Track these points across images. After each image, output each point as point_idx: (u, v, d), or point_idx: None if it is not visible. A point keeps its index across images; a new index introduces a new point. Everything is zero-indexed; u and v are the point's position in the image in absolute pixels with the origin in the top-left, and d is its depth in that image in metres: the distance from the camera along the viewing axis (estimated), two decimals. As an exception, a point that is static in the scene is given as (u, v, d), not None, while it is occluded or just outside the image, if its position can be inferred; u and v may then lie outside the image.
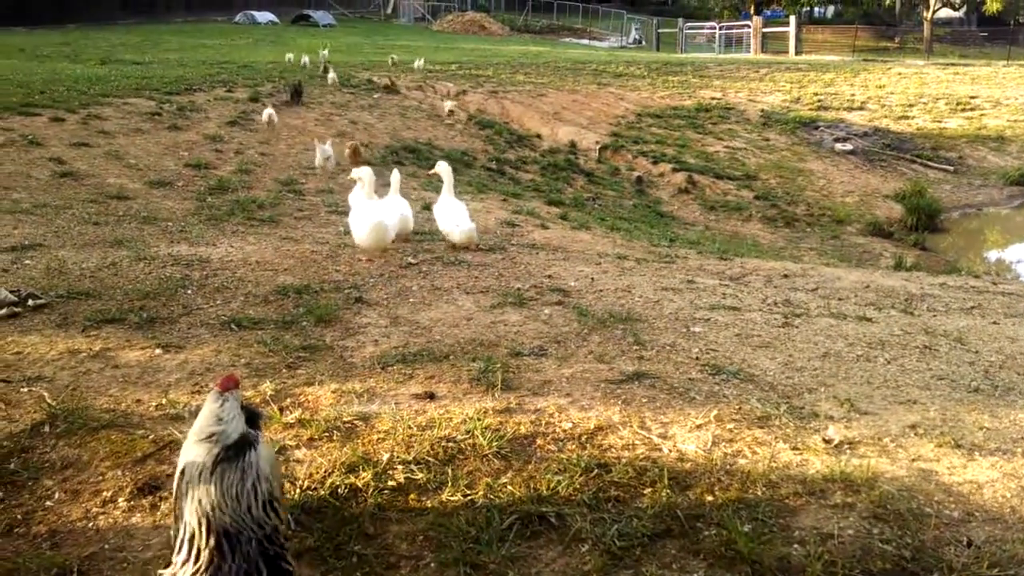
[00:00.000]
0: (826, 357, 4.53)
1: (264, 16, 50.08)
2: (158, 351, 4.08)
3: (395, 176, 6.66)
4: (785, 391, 3.98)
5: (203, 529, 1.69)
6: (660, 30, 47.73)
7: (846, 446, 3.41)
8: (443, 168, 6.49)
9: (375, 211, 5.87)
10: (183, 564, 1.69)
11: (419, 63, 23.24)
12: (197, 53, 26.29)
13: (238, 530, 1.70)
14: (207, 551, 1.68)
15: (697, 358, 4.36)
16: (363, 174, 6.09)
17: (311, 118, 14.37)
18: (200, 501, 1.69)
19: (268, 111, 13.26)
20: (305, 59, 23.18)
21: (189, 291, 5.15)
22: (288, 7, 56.09)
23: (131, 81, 15.60)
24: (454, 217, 6.37)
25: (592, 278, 6.06)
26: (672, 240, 10.13)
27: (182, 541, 1.71)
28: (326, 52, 24.76)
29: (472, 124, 17.10)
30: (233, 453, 1.73)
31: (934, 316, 5.66)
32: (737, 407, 3.73)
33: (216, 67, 20.12)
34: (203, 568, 1.68)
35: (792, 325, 5.11)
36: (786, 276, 6.92)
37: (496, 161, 14.72)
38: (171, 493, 2.75)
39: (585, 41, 50.59)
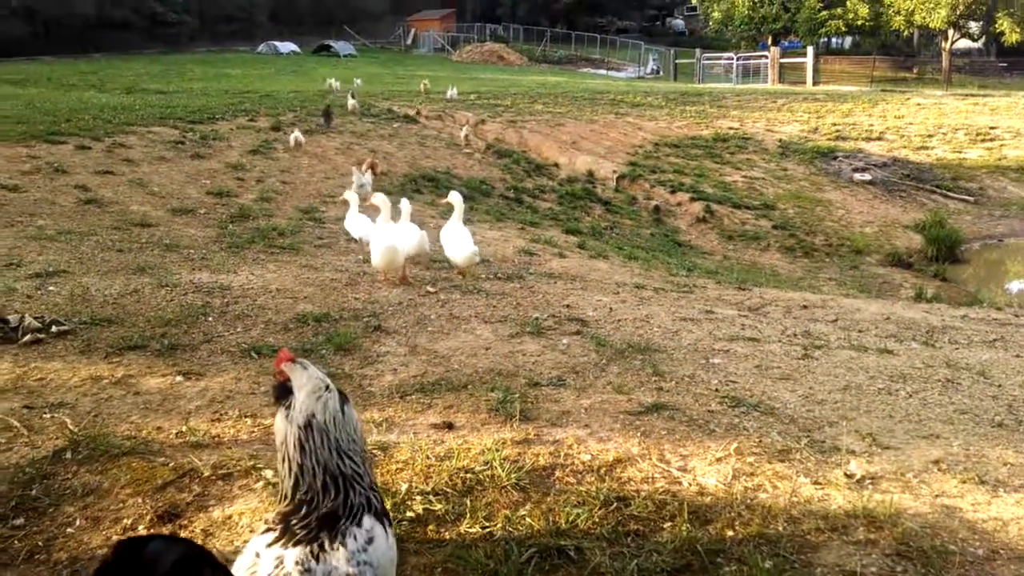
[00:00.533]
0: (847, 390, 4.47)
1: (286, 46, 50.90)
2: (179, 378, 4.09)
3: (405, 204, 6.83)
4: (806, 424, 3.93)
5: (320, 470, 1.92)
6: (678, 61, 47.83)
7: (868, 481, 3.36)
8: (455, 197, 6.70)
9: (388, 235, 6.10)
10: (293, 504, 1.90)
11: (452, 92, 23.40)
12: (220, 83, 26.67)
13: (353, 468, 1.95)
14: (319, 490, 1.91)
15: (716, 390, 4.32)
16: (379, 201, 6.24)
17: (332, 146, 14.35)
18: (330, 442, 1.92)
19: (295, 134, 13.77)
20: (333, 82, 23.65)
21: (210, 318, 5.18)
22: (310, 37, 56.85)
23: (155, 110, 15.76)
24: (458, 242, 6.51)
25: (610, 308, 6.02)
26: (690, 269, 10.06)
27: (295, 484, 1.91)
28: (359, 82, 25.74)
29: (490, 153, 17.20)
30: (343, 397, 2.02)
31: (956, 349, 5.58)
32: (757, 440, 3.69)
33: (239, 96, 20.30)
34: (317, 503, 1.89)
35: (812, 357, 5.06)
36: (805, 307, 6.85)
37: (514, 190, 14.73)
38: (188, 518, 2.76)
39: (603, 71, 50.77)
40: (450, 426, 3.77)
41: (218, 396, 3.90)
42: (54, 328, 4.87)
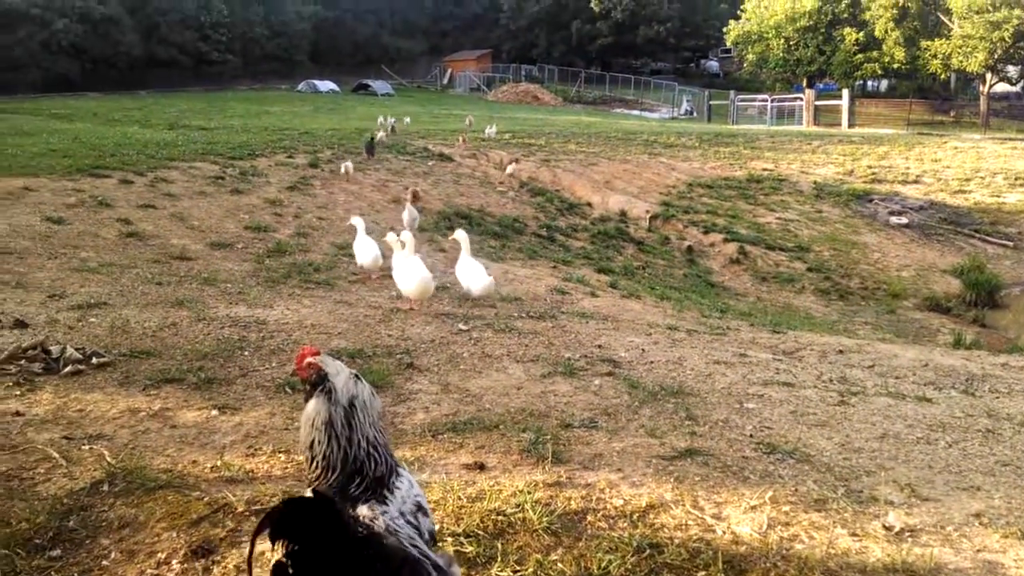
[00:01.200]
0: (884, 438, 4.36)
1: (325, 85, 51.81)
2: (214, 412, 4.10)
3: (408, 238, 6.86)
4: (843, 473, 3.84)
5: (365, 442, 2.17)
6: (712, 102, 47.75)
7: (907, 534, 3.26)
8: (461, 235, 6.98)
9: (420, 267, 6.52)
10: (341, 475, 2.13)
11: (491, 130, 23.78)
12: (260, 120, 27.03)
13: (383, 439, 2.21)
14: (364, 459, 2.16)
15: (751, 435, 4.24)
16: (406, 238, 6.63)
17: (368, 184, 14.56)
18: (371, 418, 2.17)
19: (346, 164, 14.52)
20: (389, 121, 24.49)
21: (246, 353, 5.21)
22: (348, 76, 57.80)
23: (197, 146, 15.99)
24: (473, 273, 6.84)
25: (643, 349, 5.94)
26: (723, 311, 9.89)
27: (343, 457, 2.14)
28: (408, 120, 26.57)
29: (524, 191, 17.26)
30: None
31: (997, 398, 5.43)
32: (793, 488, 3.61)
33: (278, 133, 20.61)
34: (337, 475, 2.14)
35: (848, 404, 4.95)
36: (841, 352, 6.71)
37: (547, 228, 14.67)
38: (222, 553, 2.76)
39: (637, 112, 50.89)
40: (482, 467, 3.73)
41: (252, 431, 3.90)
42: (94, 359, 4.90)
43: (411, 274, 6.54)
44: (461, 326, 6.27)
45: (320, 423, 2.14)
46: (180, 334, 5.51)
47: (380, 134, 19.70)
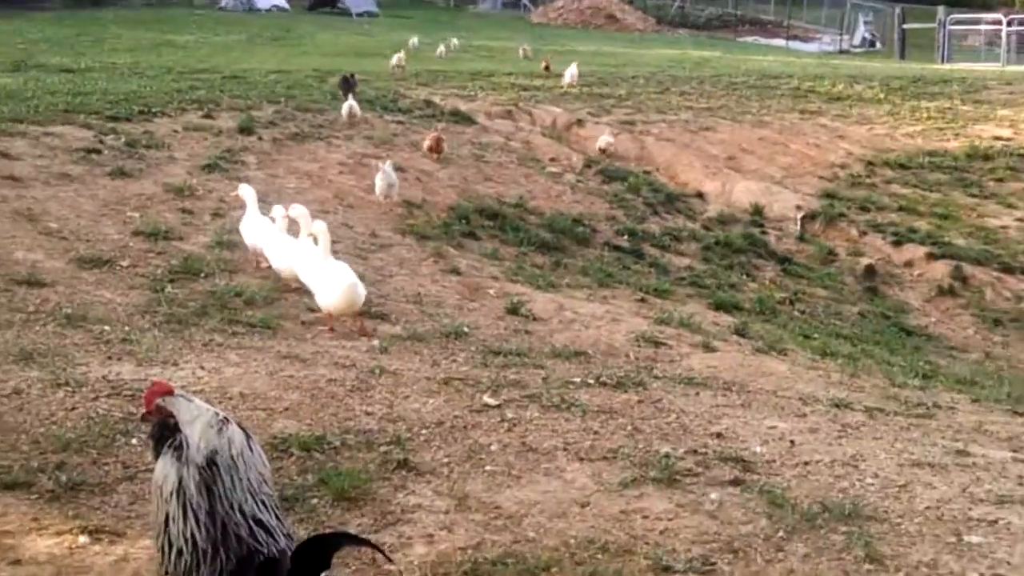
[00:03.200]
0: None
1: (266, 0, 36.54)
2: (83, 539, 3.41)
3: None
4: None
5: (236, 515, 2.02)
6: (906, 26, 33.08)
7: None
8: (320, 227, 5.95)
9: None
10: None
11: (572, 73, 18.18)
12: (160, 56, 20.47)
13: (269, 518, 2.06)
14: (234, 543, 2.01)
15: (981, 595, 3.49)
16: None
17: (334, 160, 10.86)
18: (242, 483, 2.00)
19: (349, 103, 11.74)
20: (415, 40, 20.48)
21: (134, 440, 4.13)
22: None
23: (57, 99, 11.47)
24: (326, 277, 5.82)
25: (791, 440, 4.80)
26: (927, 376, 7.56)
27: (211, 544, 1.95)
28: (456, 42, 21.97)
29: (592, 174, 12.96)
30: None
31: None
32: None
33: (188, 78, 15.54)
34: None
35: None
36: None
37: (629, 235, 10.85)
38: None
39: (780, 42, 36.54)
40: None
41: (144, 569, 3.26)
42: None
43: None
44: (487, 399, 5.03)
45: (169, 492, 1.94)
46: (27, 409, 4.39)
47: (397, 58, 16.19)
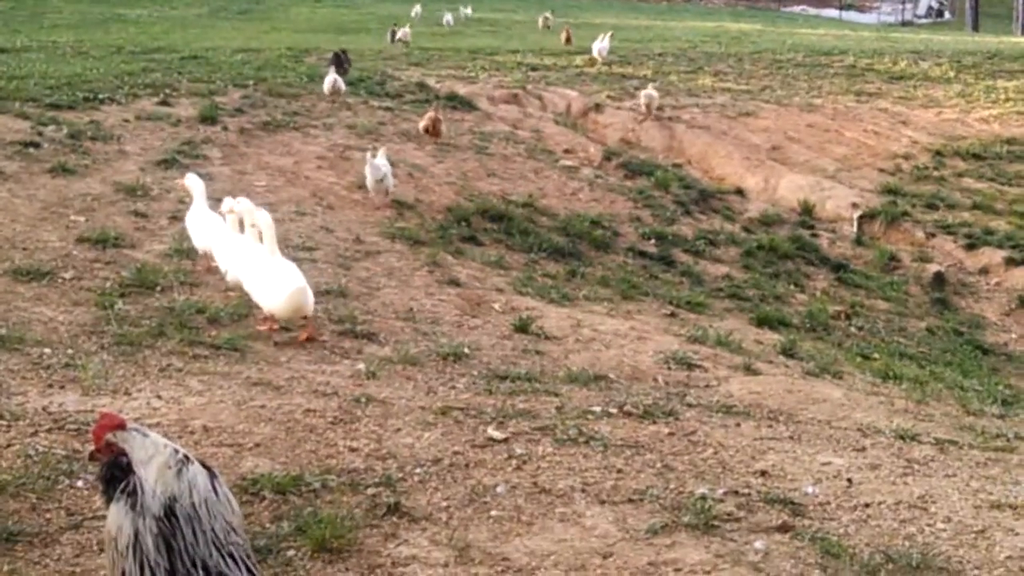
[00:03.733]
0: None
1: None
2: None
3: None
4: None
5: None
6: None
7: None
8: (263, 219, 5.46)
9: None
10: None
11: (603, 43, 16.77)
12: (108, 34, 19.04)
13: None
14: None
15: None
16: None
17: (311, 153, 10.02)
18: (206, 535, 1.86)
19: (333, 76, 11.12)
20: (417, 8, 18.81)
21: (79, 482, 3.72)
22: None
23: None
24: (270, 279, 5.33)
25: (848, 479, 4.36)
26: (1007, 402, 6.96)
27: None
28: (470, 10, 19.98)
29: (613, 167, 12.05)
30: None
31: None
32: None
33: (141, 59, 14.43)
34: None
35: None
36: None
37: (657, 239, 10.04)
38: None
39: (833, 13, 33.17)
40: None
41: None
42: None
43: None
44: (492, 432, 4.52)
45: (125, 546, 1.77)
46: (-48, 445, 4.00)
47: (403, 32, 15.15)
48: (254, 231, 5.62)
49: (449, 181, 10.00)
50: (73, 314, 5.62)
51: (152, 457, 1.81)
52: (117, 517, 1.78)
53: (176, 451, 1.86)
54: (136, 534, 1.75)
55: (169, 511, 1.76)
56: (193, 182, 6.35)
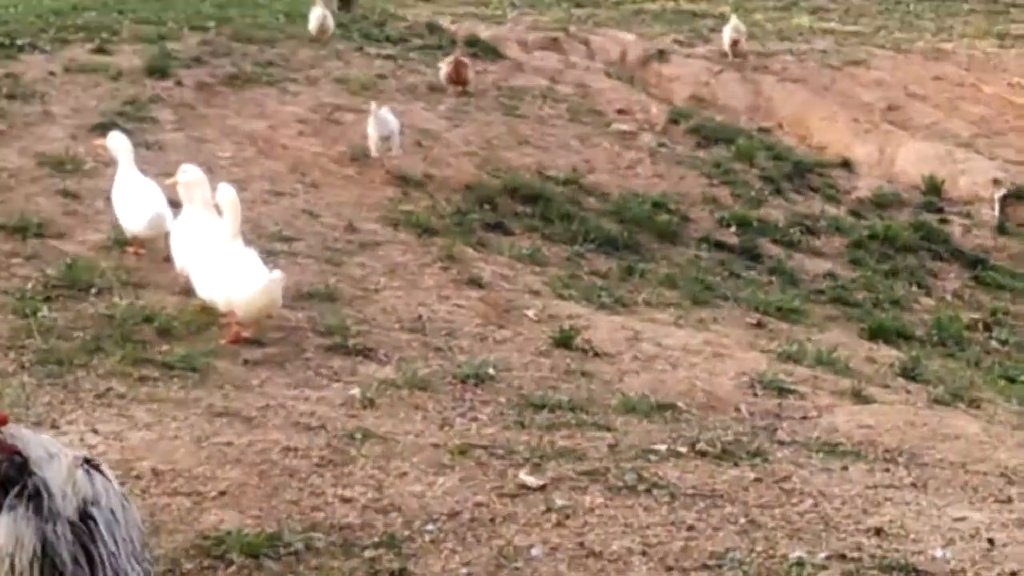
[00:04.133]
0: None
1: None
2: None
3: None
4: None
5: None
6: None
7: None
8: (226, 196, 4.72)
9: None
10: None
11: None
12: None
13: None
14: None
15: None
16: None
17: (290, 115, 8.76)
18: (126, 545, 1.74)
19: (321, 10, 9.57)
20: None
21: None
22: None
23: None
24: (240, 273, 4.63)
25: (989, 539, 3.69)
26: None
27: None
28: None
29: (681, 133, 10.40)
30: None
31: None
32: None
33: None
34: None
35: None
36: None
37: (738, 225, 8.75)
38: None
39: None
40: None
41: None
42: None
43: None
44: (525, 477, 3.86)
45: (27, 560, 1.59)
46: None
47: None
48: (205, 207, 4.82)
49: (469, 151, 8.46)
50: (-15, 322, 4.86)
51: (54, 456, 1.68)
52: (13, 528, 1.59)
53: (74, 453, 1.76)
54: (44, 544, 1.57)
55: (85, 514, 1.62)
56: (118, 142, 5.44)
